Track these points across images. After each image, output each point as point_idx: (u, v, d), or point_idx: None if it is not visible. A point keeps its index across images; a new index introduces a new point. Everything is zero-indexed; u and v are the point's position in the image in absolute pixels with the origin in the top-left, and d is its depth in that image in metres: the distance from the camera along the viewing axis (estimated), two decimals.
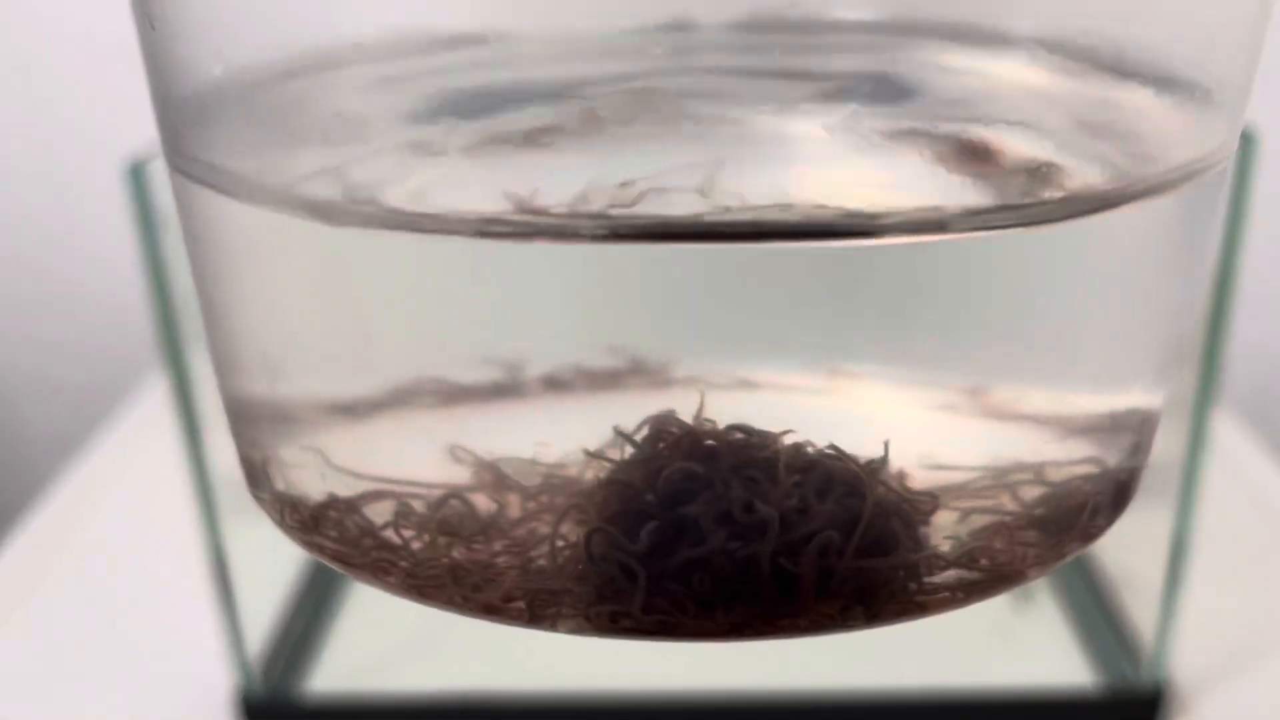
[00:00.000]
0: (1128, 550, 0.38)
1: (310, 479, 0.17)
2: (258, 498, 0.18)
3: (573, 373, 0.15)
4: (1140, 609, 0.36)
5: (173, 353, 0.31)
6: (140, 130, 0.49)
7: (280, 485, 0.17)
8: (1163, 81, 0.15)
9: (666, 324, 0.15)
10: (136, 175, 0.29)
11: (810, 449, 0.14)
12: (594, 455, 0.15)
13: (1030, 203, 0.14)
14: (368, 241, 0.15)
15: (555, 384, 0.15)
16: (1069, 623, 0.39)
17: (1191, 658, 0.37)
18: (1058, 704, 0.35)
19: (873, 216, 0.13)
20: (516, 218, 0.14)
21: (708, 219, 0.14)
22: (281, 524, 0.17)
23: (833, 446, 0.14)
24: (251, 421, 0.17)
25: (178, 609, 0.40)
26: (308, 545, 0.17)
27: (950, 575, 0.15)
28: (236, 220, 0.16)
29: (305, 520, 0.17)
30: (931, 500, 0.15)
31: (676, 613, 0.14)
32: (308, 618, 0.39)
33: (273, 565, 0.40)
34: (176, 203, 0.17)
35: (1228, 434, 0.50)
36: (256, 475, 0.18)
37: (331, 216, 0.15)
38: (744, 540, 0.14)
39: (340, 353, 0.16)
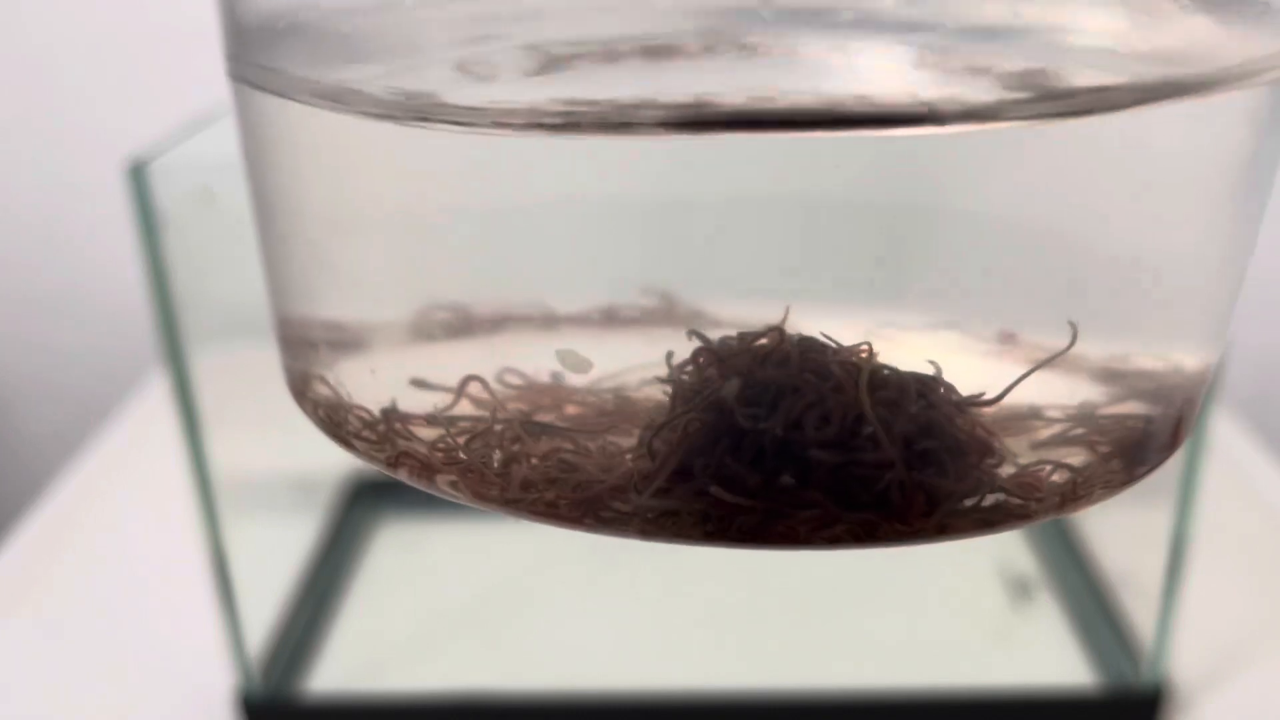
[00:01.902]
0: (1127, 550, 0.39)
1: (371, 389, 0.17)
2: (320, 418, 0.18)
3: (627, 304, 0.15)
4: (1140, 609, 0.36)
5: (173, 353, 0.31)
6: (141, 130, 0.49)
7: (344, 395, 0.17)
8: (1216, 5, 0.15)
9: (713, 259, 0.15)
10: (137, 176, 0.29)
11: (886, 369, 0.15)
12: (671, 374, 0.15)
13: (1084, 89, 0.15)
14: (426, 141, 0.15)
15: (610, 315, 0.15)
16: (1069, 623, 0.39)
17: (1191, 658, 0.37)
18: (1058, 704, 0.35)
19: (938, 106, 0.13)
20: (583, 109, 0.14)
21: (781, 103, 0.14)
22: (342, 437, 0.17)
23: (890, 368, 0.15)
24: (309, 335, 0.18)
25: (178, 609, 0.40)
26: (367, 454, 0.17)
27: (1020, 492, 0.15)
28: (303, 125, 0.16)
29: (373, 429, 0.17)
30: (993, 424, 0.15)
31: (767, 516, 0.14)
32: (308, 618, 0.39)
33: (273, 565, 0.40)
34: (239, 119, 0.17)
35: (1227, 434, 0.50)
36: (310, 387, 0.18)
37: (390, 112, 0.15)
38: (843, 448, 0.14)
39: (400, 263, 0.16)
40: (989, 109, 0.14)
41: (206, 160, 0.32)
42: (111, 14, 0.59)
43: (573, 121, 0.14)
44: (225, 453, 0.33)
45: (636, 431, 0.15)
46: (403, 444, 0.16)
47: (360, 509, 0.46)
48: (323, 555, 0.43)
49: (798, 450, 0.14)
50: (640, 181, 0.15)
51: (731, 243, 0.15)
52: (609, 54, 0.16)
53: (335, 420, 0.17)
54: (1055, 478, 0.15)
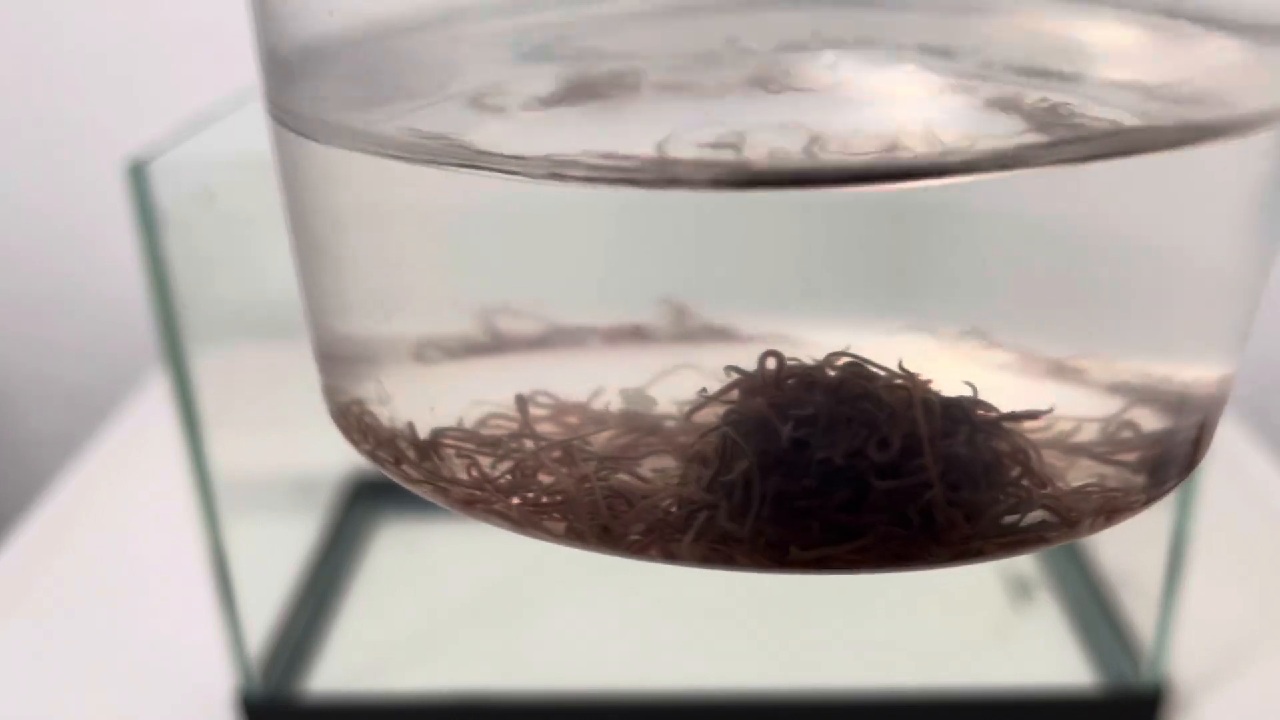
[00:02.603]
0: (1127, 550, 0.39)
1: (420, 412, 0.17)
2: (366, 450, 0.18)
3: (649, 321, 0.15)
4: (1140, 609, 0.36)
5: (173, 352, 0.31)
6: (141, 130, 0.49)
7: (393, 423, 0.17)
8: (1247, 29, 0.15)
9: (751, 280, 0.15)
10: (137, 175, 0.29)
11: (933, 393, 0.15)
12: (708, 397, 0.15)
13: (1107, 131, 0.15)
14: (463, 185, 0.15)
15: (638, 332, 0.15)
16: (1069, 623, 0.39)
17: (1191, 658, 0.37)
18: (1058, 704, 0.35)
19: (967, 153, 0.14)
20: (636, 165, 0.14)
21: (823, 161, 0.14)
22: (393, 468, 0.17)
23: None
24: (355, 360, 0.18)
25: (178, 609, 0.40)
26: (411, 481, 0.17)
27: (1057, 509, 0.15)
28: (337, 168, 0.16)
29: (418, 451, 0.17)
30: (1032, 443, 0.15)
31: (832, 545, 0.15)
32: (308, 618, 0.39)
33: (273, 565, 0.40)
34: (277, 155, 0.18)
35: (1227, 435, 0.50)
36: (360, 419, 0.18)
37: (422, 157, 0.15)
38: (893, 474, 0.14)
39: (436, 294, 0.17)
40: (1024, 156, 0.14)
41: (206, 160, 0.32)
42: (112, 14, 0.59)
43: (629, 178, 0.14)
44: (225, 453, 0.33)
45: (681, 458, 0.15)
46: (449, 472, 0.16)
47: (360, 509, 0.46)
48: (323, 555, 0.43)
49: (858, 477, 0.14)
50: (668, 211, 0.15)
51: (754, 259, 0.15)
52: (629, 83, 0.16)
53: (381, 444, 0.18)
54: (1092, 494, 0.16)
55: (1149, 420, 0.16)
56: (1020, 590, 0.41)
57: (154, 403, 0.54)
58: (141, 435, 0.53)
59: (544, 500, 0.15)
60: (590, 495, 0.15)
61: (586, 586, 0.42)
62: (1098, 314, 0.15)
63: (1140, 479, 0.16)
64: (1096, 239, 0.15)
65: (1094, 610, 0.39)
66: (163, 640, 0.39)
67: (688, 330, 0.15)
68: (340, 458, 0.47)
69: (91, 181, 0.62)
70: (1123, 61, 0.16)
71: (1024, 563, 0.42)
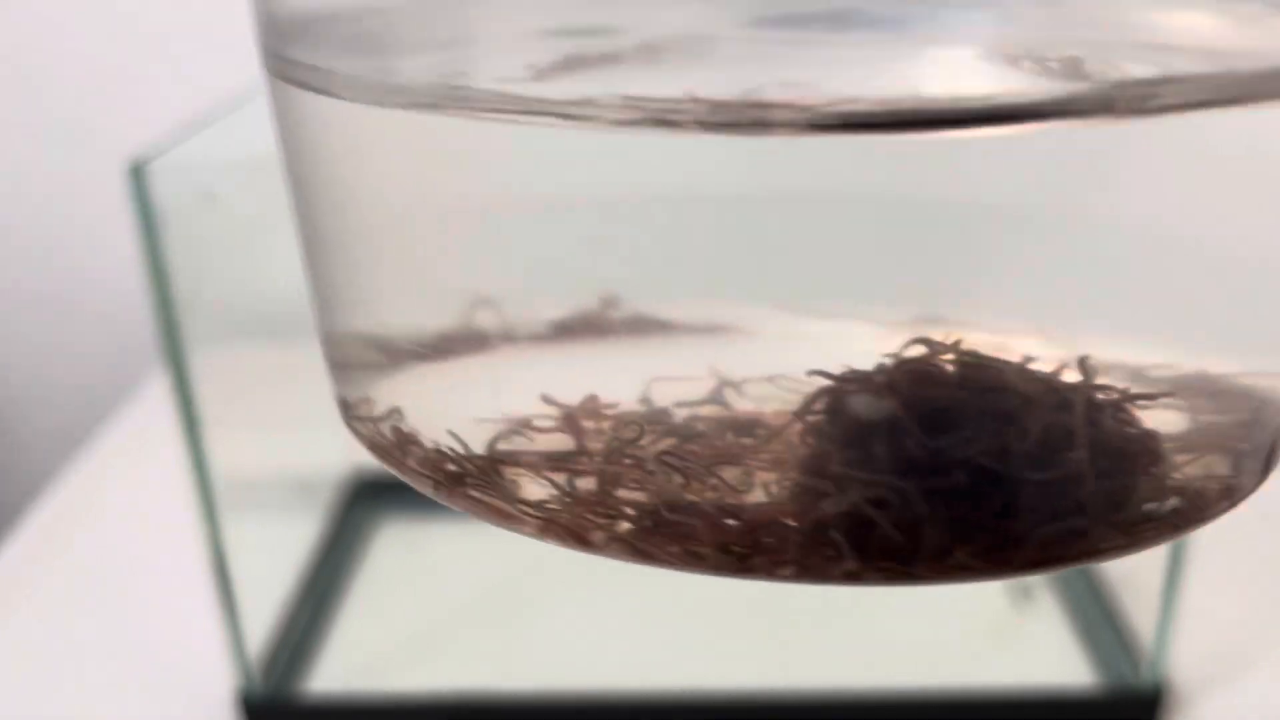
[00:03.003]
0: None
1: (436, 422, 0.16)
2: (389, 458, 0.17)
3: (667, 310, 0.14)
4: (1139, 609, 0.36)
5: (173, 353, 0.31)
6: (141, 130, 0.49)
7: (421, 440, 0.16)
8: None
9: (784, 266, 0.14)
10: (137, 176, 0.29)
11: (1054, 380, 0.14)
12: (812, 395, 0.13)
13: (1166, 78, 0.14)
14: (475, 132, 0.14)
15: (663, 326, 0.14)
16: (1069, 623, 0.39)
17: (1191, 658, 0.37)
18: (1058, 704, 0.35)
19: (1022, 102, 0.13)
20: (677, 104, 0.13)
21: (902, 104, 0.13)
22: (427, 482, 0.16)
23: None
24: (367, 362, 0.17)
25: (178, 608, 0.40)
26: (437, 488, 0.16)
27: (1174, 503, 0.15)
28: (343, 122, 0.16)
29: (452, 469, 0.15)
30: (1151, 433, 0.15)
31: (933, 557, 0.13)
32: (308, 618, 0.39)
33: (273, 565, 0.40)
34: (277, 118, 0.17)
35: None
36: (373, 415, 0.17)
37: (435, 103, 0.14)
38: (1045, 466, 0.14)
39: (450, 274, 0.15)
40: (1100, 102, 0.13)
41: (206, 160, 0.32)
42: (112, 14, 0.59)
43: (670, 119, 0.13)
44: (225, 453, 0.33)
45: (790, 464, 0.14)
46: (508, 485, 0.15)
47: (360, 509, 0.46)
48: (323, 555, 0.43)
49: (1007, 474, 0.13)
50: (682, 178, 0.14)
51: (794, 246, 0.14)
52: (648, 51, 0.15)
53: (403, 448, 0.16)
54: (1210, 477, 0.15)
55: (1231, 412, 0.16)
56: (1020, 590, 0.41)
57: (154, 403, 0.54)
58: (141, 435, 0.53)
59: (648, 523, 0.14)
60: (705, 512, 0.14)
61: (586, 586, 0.42)
62: (1175, 304, 0.15)
63: (1244, 461, 0.16)
64: (1166, 224, 0.14)
65: (1094, 610, 0.39)
66: (163, 640, 0.39)
67: (718, 326, 0.14)
68: (340, 458, 0.47)
69: (92, 182, 0.62)
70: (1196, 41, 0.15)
71: None
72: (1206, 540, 0.35)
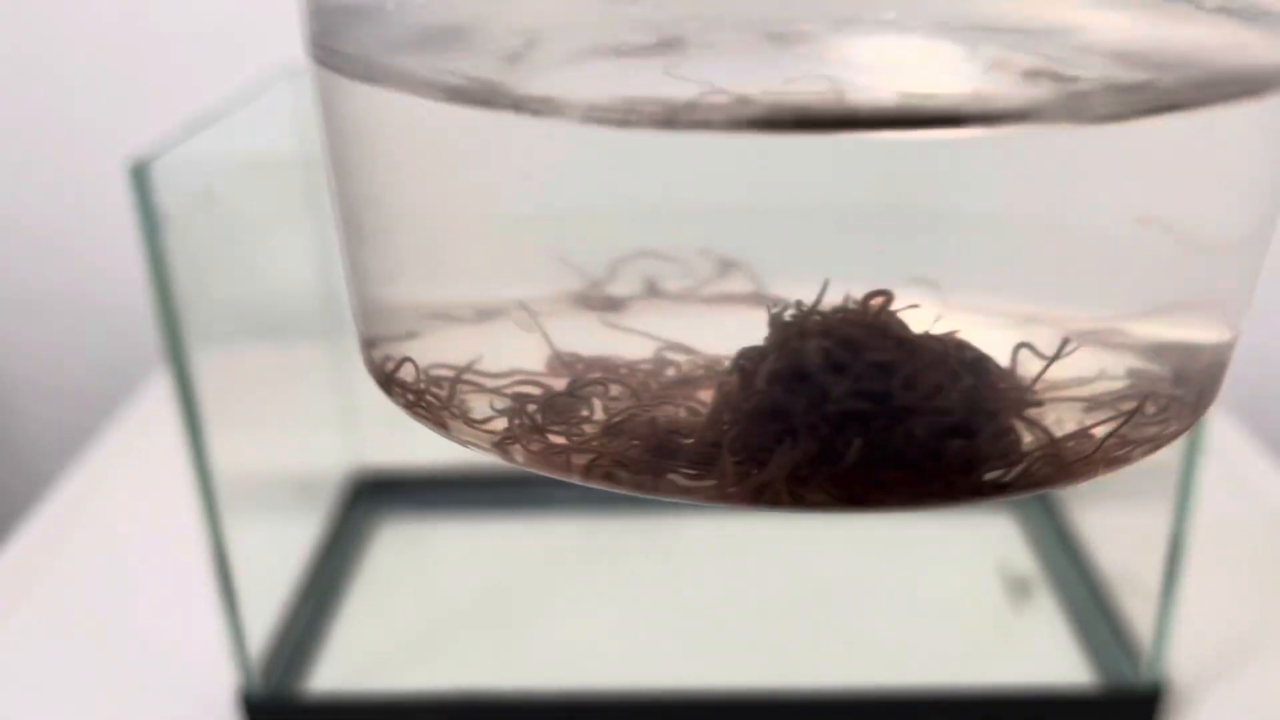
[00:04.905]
0: (1126, 550, 0.39)
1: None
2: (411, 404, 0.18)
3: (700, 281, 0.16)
4: (1138, 608, 0.36)
5: (174, 352, 0.31)
6: (142, 130, 0.49)
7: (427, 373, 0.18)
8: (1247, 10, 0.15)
9: (773, 231, 0.15)
10: (138, 175, 0.29)
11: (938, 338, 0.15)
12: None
13: (1130, 84, 0.15)
14: (509, 128, 0.15)
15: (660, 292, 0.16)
16: (1068, 622, 0.39)
17: (1190, 657, 0.37)
18: (1057, 703, 0.35)
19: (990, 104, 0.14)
20: (702, 107, 0.14)
21: (891, 102, 0.14)
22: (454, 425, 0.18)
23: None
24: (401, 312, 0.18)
25: (179, 608, 0.40)
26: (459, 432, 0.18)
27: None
28: (393, 111, 0.17)
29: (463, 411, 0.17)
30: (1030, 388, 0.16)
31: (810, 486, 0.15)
32: (308, 617, 0.39)
33: (273, 565, 0.40)
34: (322, 106, 0.18)
35: (1225, 435, 0.51)
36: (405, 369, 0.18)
37: (467, 98, 0.15)
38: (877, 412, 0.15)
39: (487, 247, 0.17)
40: (1071, 108, 0.14)
41: (207, 160, 0.32)
42: (113, 14, 0.59)
43: (699, 119, 0.14)
44: (226, 452, 0.33)
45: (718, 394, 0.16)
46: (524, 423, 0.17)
47: (360, 509, 0.46)
48: (323, 555, 0.43)
49: (885, 415, 0.15)
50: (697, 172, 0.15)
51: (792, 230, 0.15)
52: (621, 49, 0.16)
53: (438, 402, 0.18)
54: (1096, 432, 0.16)
55: (1148, 376, 0.17)
56: (1020, 590, 0.41)
57: (154, 403, 0.54)
58: (142, 435, 0.53)
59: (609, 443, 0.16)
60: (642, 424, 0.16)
61: (586, 586, 0.42)
62: (1100, 276, 0.16)
63: (1144, 428, 0.17)
64: (1094, 199, 0.15)
65: (1093, 610, 0.39)
66: (164, 640, 0.39)
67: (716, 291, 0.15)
68: (340, 458, 0.47)
69: (92, 182, 0.62)
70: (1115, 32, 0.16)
71: (1023, 562, 0.42)
72: (1205, 539, 0.36)
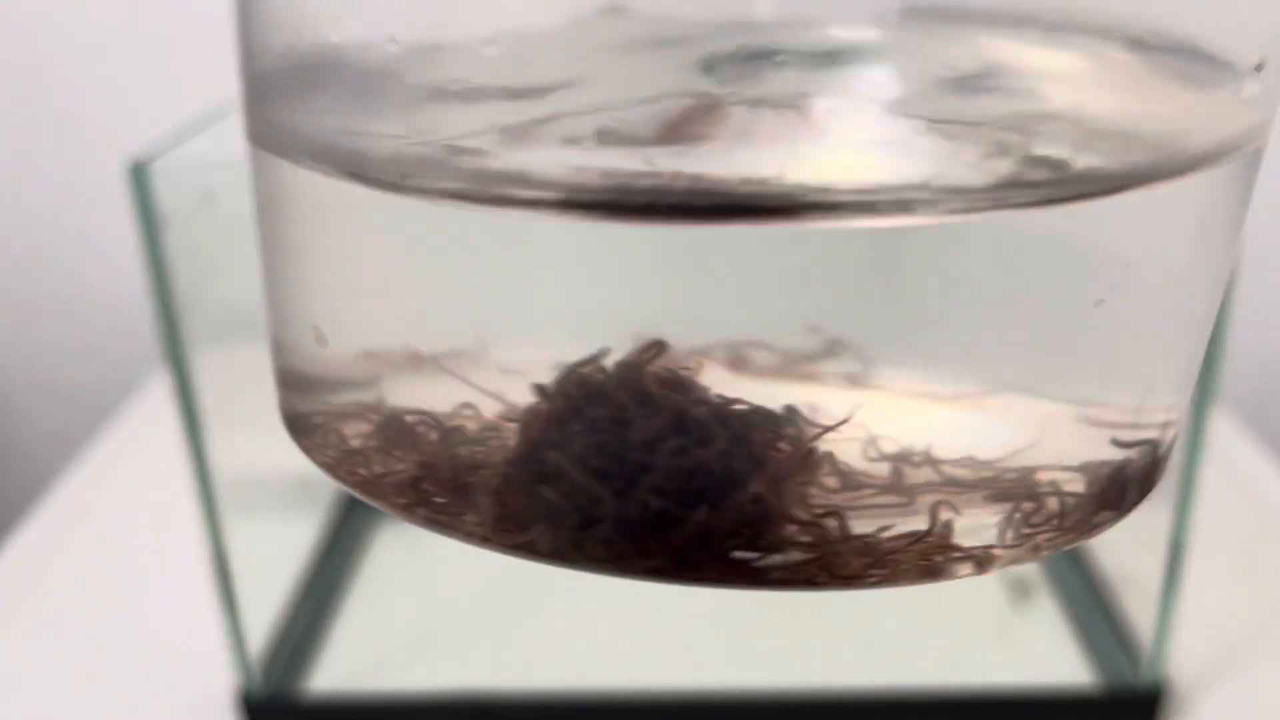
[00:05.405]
0: (1126, 550, 0.39)
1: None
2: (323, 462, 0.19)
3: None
4: (1139, 609, 0.36)
5: (174, 352, 0.31)
6: (142, 130, 0.49)
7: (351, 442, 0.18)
8: (1192, 61, 0.15)
9: (683, 306, 0.15)
10: (138, 175, 0.29)
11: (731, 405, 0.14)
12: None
13: (1050, 179, 0.14)
14: (438, 214, 0.15)
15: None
16: (1068, 622, 0.39)
17: (1190, 657, 0.37)
18: (1057, 703, 0.35)
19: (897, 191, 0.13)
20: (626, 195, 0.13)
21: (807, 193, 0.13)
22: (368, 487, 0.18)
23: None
24: (320, 384, 0.19)
25: (179, 608, 0.40)
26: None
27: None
28: (315, 193, 0.17)
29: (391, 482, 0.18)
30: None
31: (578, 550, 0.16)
32: (308, 617, 0.39)
33: (273, 565, 0.40)
34: (254, 179, 0.18)
35: (1225, 435, 0.51)
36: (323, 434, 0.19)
37: (389, 179, 0.15)
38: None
39: (403, 320, 0.17)
40: (993, 196, 0.14)
41: (207, 160, 0.32)
42: (113, 14, 0.59)
43: (616, 202, 0.14)
44: (226, 452, 0.33)
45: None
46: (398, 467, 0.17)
47: (360, 509, 0.46)
48: (323, 555, 0.43)
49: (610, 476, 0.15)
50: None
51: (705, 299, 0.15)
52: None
53: (340, 455, 0.18)
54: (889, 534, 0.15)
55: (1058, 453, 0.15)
56: (1020, 590, 0.41)
57: (154, 403, 0.54)
58: (142, 435, 0.53)
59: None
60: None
61: (586, 586, 0.42)
62: (1026, 352, 0.15)
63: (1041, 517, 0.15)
64: (1039, 290, 0.14)
65: (1093, 610, 0.39)
66: (164, 640, 0.39)
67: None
68: None
69: (92, 182, 0.62)
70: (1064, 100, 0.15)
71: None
72: (1205, 540, 0.36)
